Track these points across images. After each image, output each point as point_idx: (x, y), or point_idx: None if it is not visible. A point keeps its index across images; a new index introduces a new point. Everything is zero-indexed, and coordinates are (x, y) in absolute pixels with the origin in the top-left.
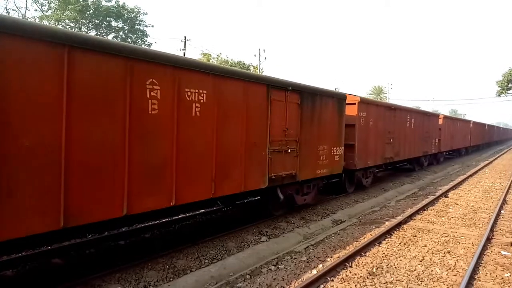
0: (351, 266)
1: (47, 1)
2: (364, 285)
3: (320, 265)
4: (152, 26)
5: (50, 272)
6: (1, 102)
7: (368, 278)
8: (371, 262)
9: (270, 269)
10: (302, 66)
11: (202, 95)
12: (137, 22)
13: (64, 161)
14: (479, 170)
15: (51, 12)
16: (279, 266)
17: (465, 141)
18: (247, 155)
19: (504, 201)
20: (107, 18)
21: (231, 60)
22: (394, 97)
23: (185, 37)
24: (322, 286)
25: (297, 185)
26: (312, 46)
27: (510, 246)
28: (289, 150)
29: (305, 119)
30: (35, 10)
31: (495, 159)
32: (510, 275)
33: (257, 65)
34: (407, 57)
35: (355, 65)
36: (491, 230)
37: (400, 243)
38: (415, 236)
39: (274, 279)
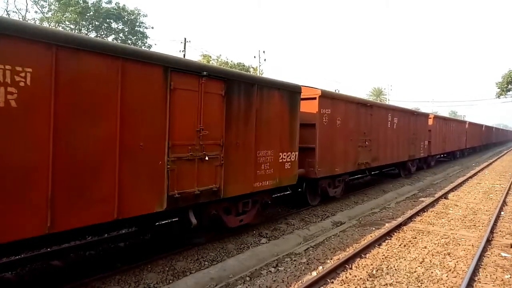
0: (351, 268)
1: (47, 3)
2: (364, 287)
3: (320, 267)
4: (152, 27)
5: (49, 274)
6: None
7: (368, 280)
8: (371, 264)
9: (270, 271)
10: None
11: (21, 75)
12: (137, 24)
13: None
14: (479, 171)
15: (52, 14)
16: (279, 268)
17: (460, 143)
18: (125, 164)
19: (504, 202)
20: (107, 20)
21: (231, 61)
22: (394, 98)
23: (185, 38)
24: None
25: (225, 203)
26: (312, 47)
27: (510, 247)
28: (206, 158)
29: (235, 117)
30: (36, 12)
31: (495, 160)
32: (510, 277)
33: (257, 67)
34: (407, 58)
35: (355, 67)
36: (491, 232)
37: (400, 245)
38: (415, 237)
39: (274, 281)
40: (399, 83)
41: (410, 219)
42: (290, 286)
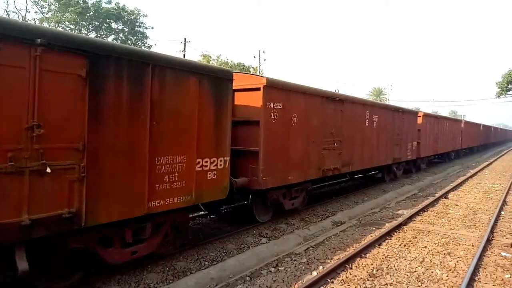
0: (351, 268)
1: (47, 3)
2: (364, 287)
3: (320, 267)
4: (152, 28)
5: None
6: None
7: (368, 280)
8: (371, 264)
9: (270, 271)
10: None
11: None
12: (137, 24)
13: None
14: (479, 171)
15: (51, 14)
16: (279, 268)
17: (455, 144)
18: None
19: (504, 202)
20: (107, 20)
21: (231, 61)
22: (394, 98)
23: (185, 38)
24: None
25: (99, 233)
26: (312, 48)
27: (510, 247)
28: (48, 170)
29: (111, 109)
30: (35, 12)
31: (495, 160)
32: (510, 277)
33: (257, 67)
34: (407, 58)
35: (356, 66)
36: (491, 232)
37: (400, 245)
38: (415, 237)
39: (274, 281)
40: (399, 83)
41: (410, 218)
42: (290, 286)
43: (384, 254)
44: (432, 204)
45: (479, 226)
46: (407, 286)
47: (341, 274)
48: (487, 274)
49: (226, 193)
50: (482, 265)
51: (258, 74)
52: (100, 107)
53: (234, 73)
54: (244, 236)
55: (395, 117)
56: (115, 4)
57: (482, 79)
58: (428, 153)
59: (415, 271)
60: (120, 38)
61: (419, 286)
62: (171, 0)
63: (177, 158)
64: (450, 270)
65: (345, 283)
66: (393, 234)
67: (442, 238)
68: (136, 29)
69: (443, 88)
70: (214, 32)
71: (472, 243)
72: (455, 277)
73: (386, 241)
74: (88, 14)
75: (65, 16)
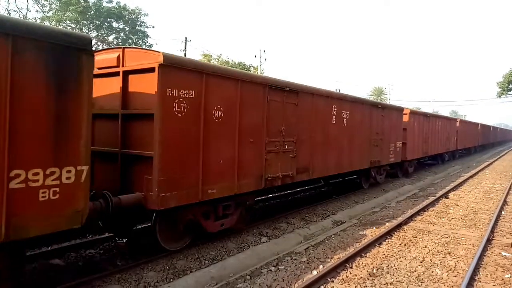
0: (351, 267)
1: (48, 2)
2: (364, 286)
3: (321, 266)
4: (153, 27)
5: (50, 272)
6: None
7: (368, 279)
8: (372, 263)
9: (270, 270)
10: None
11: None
12: (138, 23)
13: None
14: (479, 171)
15: (52, 13)
16: (279, 267)
17: (449, 144)
18: None
19: (505, 202)
20: (108, 19)
21: (232, 61)
22: (395, 98)
23: (185, 38)
24: (322, 287)
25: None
26: (312, 47)
27: (511, 247)
28: None
29: None
30: (36, 11)
31: (495, 160)
32: (510, 276)
33: (257, 66)
34: (407, 58)
35: (356, 66)
36: (492, 231)
37: (400, 244)
38: (416, 237)
39: (274, 280)
40: (400, 83)
41: (411, 218)
42: (290, 285)
43: (384, 254)
44: (432, 203)
45: (479, 226)
46: (407, 286)
47: (341, 273)
48: (487, 274)
49: (81, 219)
50: (482, 264)
51: (258, 73)
52: None
53: (125, 48)
54: (244, 235)
55: (373, 113)
56: (116, 3)
57: (483, 79)
58: (417, 155)
59: (415, 271)
60: (121, 37)
61: (419, 286)
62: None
63: None
64: (450, 269)
65: (345, 282)
66: (394, 233)
67: (443, 237)
68: (137, 28)
69: (444, 88)
70: (215, 31)
71: (473, 242)
72: (455, 276)
73: (387, 240)
74: (89, 13)
75: (66, 15)
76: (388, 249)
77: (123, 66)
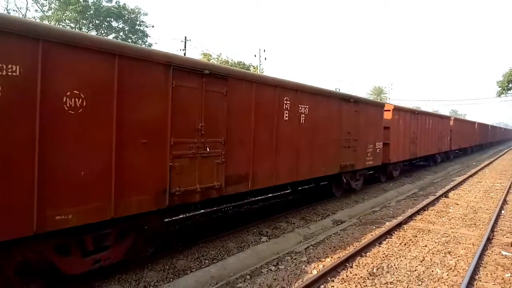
0: (351, 267)
1: (47, 2)
2: (364, 286)
3: (321, 266)
4: (153, 26)
5: (49, 272)
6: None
7: (368, 278)
8: (372, 263)
9: (271, 270)
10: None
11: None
12: (137, 22)
13: None
14: (479, 170)
15: (52, 13)
16: (280, 267)
17: (442, 145)
18: None
19: (505, 201)
20: (108, 19)
21: (231, 60)
22: (395, 97)
23: (185, 37)
24: (322, 286)
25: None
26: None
27: (511, 246)
28: None
29: None
30: (36, 10)
31: (495, 159)
32: (510, 276)
33: (257, 65)
34: (407, 57)
35: (356, 65)
36: (492, 231)
37: (400, 244)
38: (416, 236)
39: (275, 279)
40: (400, 82)
41: (411, 217)
42: (290, 284)
43: (384, 253)
44: (432, 203)
45: (479, 225)
46: (408, 285)
47: (341, 273)
48: (487, 273)
49: None
50: (482, 264)
51: (258, 72)
52: None
53: None
54: (244, 235)
55: (344, 109)
56: (116, 2)
57: (483, 79)
58: (403, 157)
59: (415, 270)
60: (120, 37)
61: (420, 285)
62: None
63: None
64: (450, 269)
65: (345, 281)
66: (394, 233)
67: (443, 237)
68: (136, 27)
69: (444, 88)
70: (215, 30)
71: (473, 242)
72: (455, 276)
73: (387, 240)
74: (89, 13)
75: (65, 14)
76: (388, 248)
77: None
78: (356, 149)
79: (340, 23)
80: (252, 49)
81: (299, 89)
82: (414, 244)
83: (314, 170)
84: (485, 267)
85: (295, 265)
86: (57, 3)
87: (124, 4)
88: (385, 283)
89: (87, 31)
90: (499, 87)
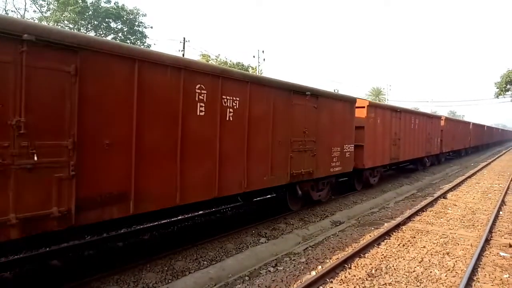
0: (350, 268)
1: (46, 2)
2: (363, 287)
3: (319, 267)
4: (151, 27)
5: (48, 274)
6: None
7: (367, 279)
8: (370, 264)
9: (269, 271)
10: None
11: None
12: (136, 23)
13: None
14: (477, 171)
15: (50, 13)
16: (278, 268)
17: (431, 147)
18: None
19: (503, 202)
20: (106, 20)
21: (230, 61)
22: (393, 98)
23: (184, 38)
24: (321, 287)
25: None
26: (311, 47)
27: (509, 247)
28: None
29: None
30: (34, 11)
31: (493, 160)
32: (509, 276)
33: (256, 66)
34: (406, 58)
35: (355, 66)
36: (490, 232)
37: (399, 245)
38: (414, 237)
39: (273, 280)
40: (398, 83)
41: (409, 218)
42: (289, 285)
43: (383, 254)
44: (430, 204)
45: (477, 226)
46: (406, 286)
47: (340, 274)
48: (485, 274)
49: None
50: (480, 265)
51: (257, 73)
52: None
53: None
54: (243, 236)
55: (297, 104)
56: (114, 3)
57: (482, 80)
58: (381, 161)
59: (414, 271)
60: (119, 38)
61: (418, 286)
62: (171, 0)
63: None
64: (448, 270)
65: (344, 283)
66: (392, 234)
67: (441, 238)
68: (135, 28)
69: (442, 89)
70: (214, 31)
71: (471, 243)
72: (453, 277)
73: (385, 241)
74: (87, 13)
75: (64, 15)
76: (386, 249)
77: None
78: (315, 153)
79: (340, 24)
80: (251, 49)
81: (222, 75)
82: (412, 245)
83: (250, 181)
84: (483, 268)
85: (294, 266)
86: (56, 4)
87: (123, 5)
88: (383, 284)
89: (85, 32)
90: (497, 88)
